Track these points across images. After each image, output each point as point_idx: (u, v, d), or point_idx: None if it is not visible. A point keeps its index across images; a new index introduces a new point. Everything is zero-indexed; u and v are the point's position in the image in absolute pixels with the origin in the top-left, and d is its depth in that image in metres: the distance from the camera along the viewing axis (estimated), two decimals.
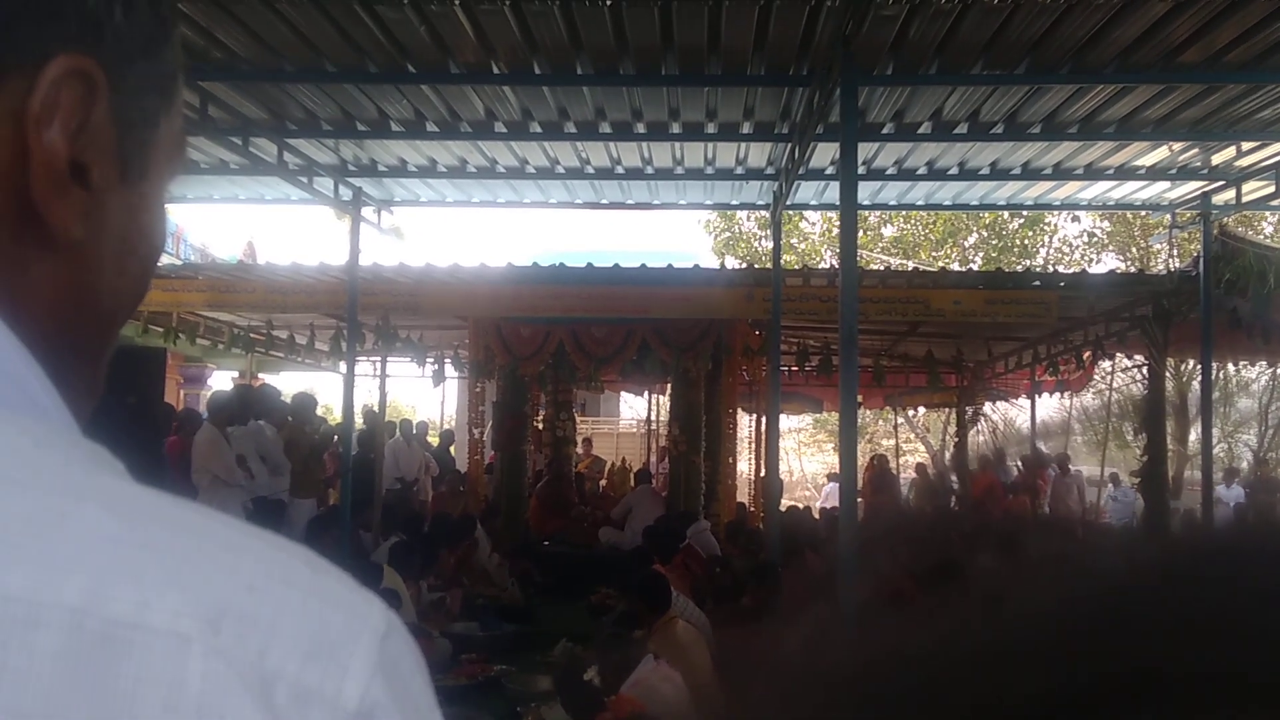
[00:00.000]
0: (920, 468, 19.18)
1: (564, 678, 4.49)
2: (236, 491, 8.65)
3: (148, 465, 7.01)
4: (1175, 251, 13.03)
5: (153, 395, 7.66)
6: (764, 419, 12.04)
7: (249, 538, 0.52)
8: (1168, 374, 11.58)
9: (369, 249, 11.64)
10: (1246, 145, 8.20)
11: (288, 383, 16.09)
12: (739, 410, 13.08)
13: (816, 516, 13.77)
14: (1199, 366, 11.14)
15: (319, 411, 11.54)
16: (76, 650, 0.44)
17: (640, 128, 8.00)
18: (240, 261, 13.09)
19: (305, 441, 9.91)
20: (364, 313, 10.26)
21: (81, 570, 0.46)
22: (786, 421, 24.21)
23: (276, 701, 0.46)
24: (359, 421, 11.70)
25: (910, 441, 27.65)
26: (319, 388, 22.16)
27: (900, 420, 23.94)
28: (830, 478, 26.65)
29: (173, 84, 0.64)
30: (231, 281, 11.54)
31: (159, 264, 0.68)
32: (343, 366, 10.46)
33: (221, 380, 18.51)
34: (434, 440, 15.42)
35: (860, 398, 16.04)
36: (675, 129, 8.03)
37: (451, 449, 15.91)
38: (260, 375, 16.11)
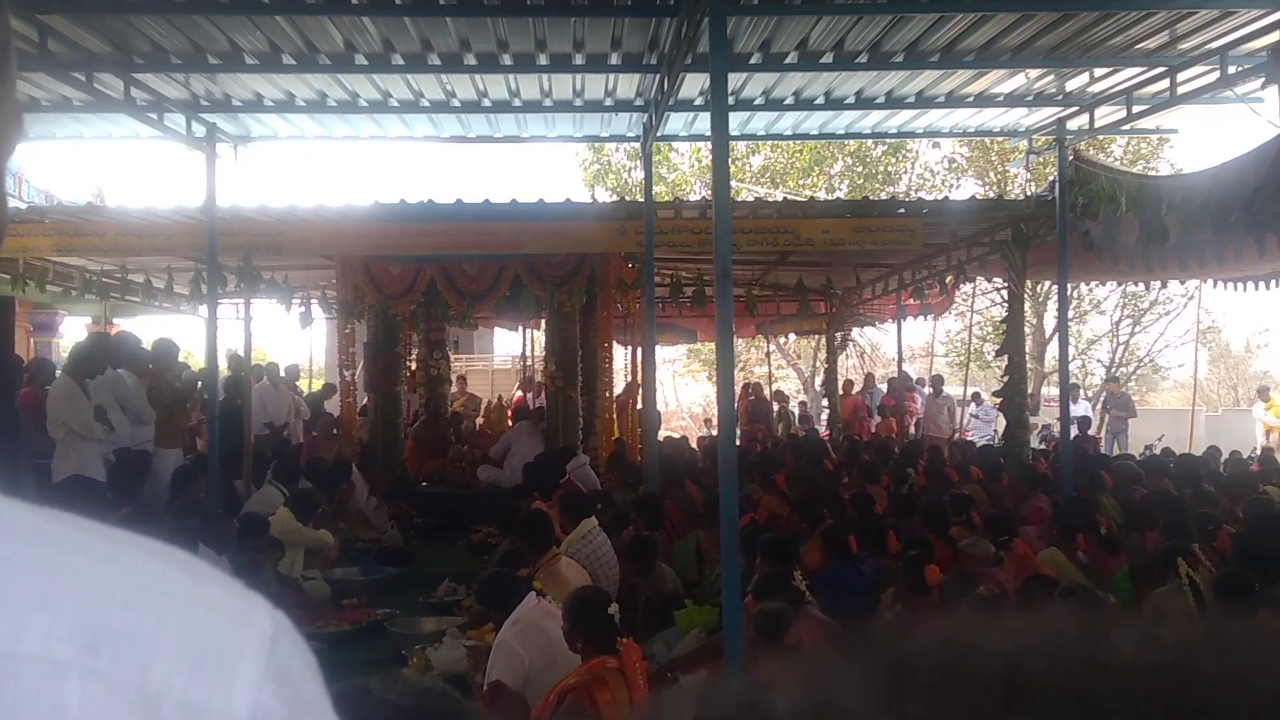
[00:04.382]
0: (778, 394, 19.54)
1: (581, 609, 4.19)
2: (96, 445, 8.30)
3: (0, 420, 6.69)
4: (1031, 176, 13.46)
5: (1, 347, 7.28)
6: (639, 351, 12.10)
7: (123, 548, 0.49)
8: (1026, 295, 12.01)
9: (227, 188, 11.19)
10: (1099, 71, 8.47)
11: (146, 328, 15.46)
12: (614, 343, 13.10)
13: (694, 446, 13.98)
14: (1055, 287, 11.56)
15: (181, 358, 11.15)
16: None
17: (506, 59, 7.84)
18: (89, 204, 12.45)
19: (168, 389, 9.57)
20: (224, 254, 9.92)
21: None
22: (661, 352, 24.42)
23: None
24: (223, 367, 11.35)
25: (783, 368, 28.19)
26: (180, 333, 21.41)
27: (772, 348, 24.35)
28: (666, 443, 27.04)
29: (4, 54, 0.60)
30: (81, 224, 11.01)
31: None
32: (204, 310, 10.11)
33: (74, 327, 17.74)
34: (304, 384, 15.05)
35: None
36: (542, 60, 7.90)
37: (328, 403, 15.52)
38: (116, 321, 15.47)
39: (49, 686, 0.43)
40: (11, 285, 11.61)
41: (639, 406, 12.28)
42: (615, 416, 12.46)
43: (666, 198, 21.01)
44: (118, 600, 0.46)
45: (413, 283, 11.29)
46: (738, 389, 20.30)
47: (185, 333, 25.46)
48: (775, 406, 18.41)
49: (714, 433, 15.80)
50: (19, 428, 8.46)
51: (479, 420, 15.56)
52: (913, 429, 16.56)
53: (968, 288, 16.04)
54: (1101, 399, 19.81)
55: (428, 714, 1.65)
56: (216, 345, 9.35)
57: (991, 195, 20.44)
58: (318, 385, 16.98)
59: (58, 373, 9.40)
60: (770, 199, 18.60)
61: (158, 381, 9.50)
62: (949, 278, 12.94)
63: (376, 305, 11.51)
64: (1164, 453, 13.41)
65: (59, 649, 0.44)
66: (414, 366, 13.14)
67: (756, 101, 9.10)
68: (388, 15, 6.87)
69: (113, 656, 0.44)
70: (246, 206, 10.28)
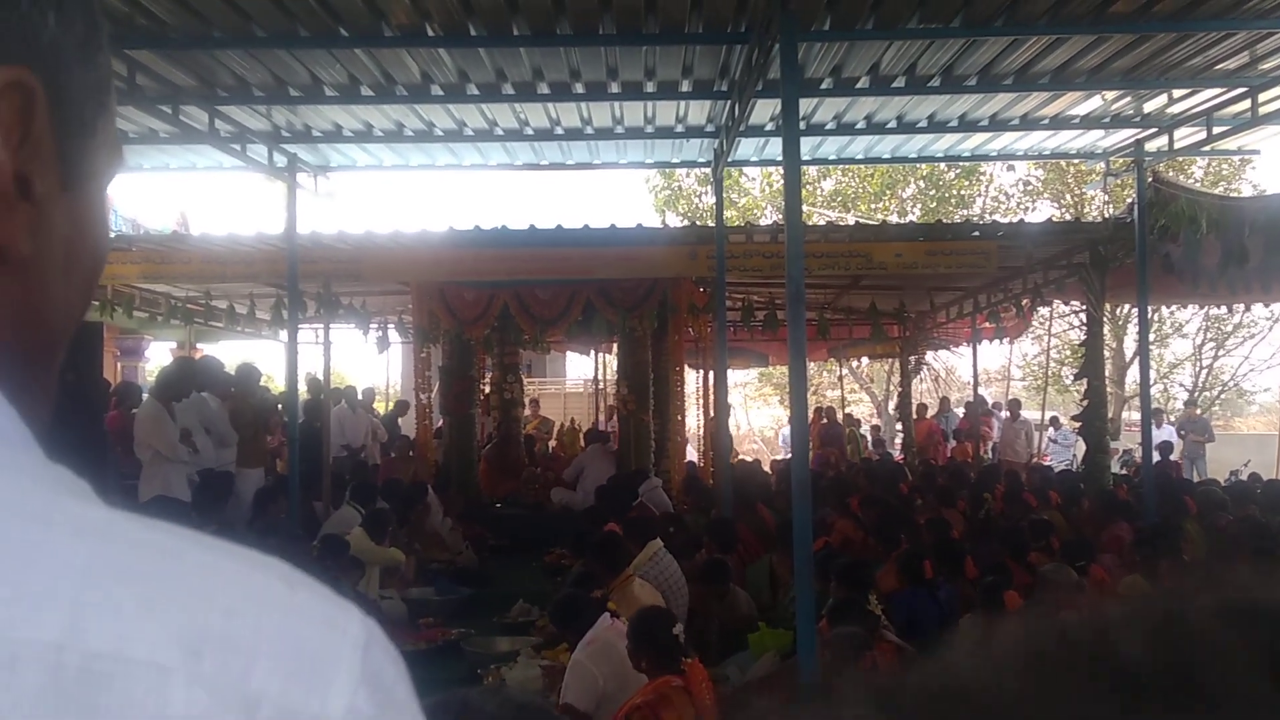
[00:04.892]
0: (848, 417, 19.39)
1: (643, 629, 4.23)
2: (181, 466, 8.52)
3: (89, 443, 6.90)
4: (1109, 198, 13.24)
5: (91, 371, 7.52)
6: (711, 374, 12.11)
7: (223, 558, 0.52)
8: (1105, 319, 11.79)
9: (307, 216, 11.47)
10: (1178, 92, 8.31)
11: (228, 352, 15.86)
12: (685, 366, 13.13)
13: (767, 469, 13.93)
14: (1135, 311, 11.35)
15: (262, 381, 11.40)
16: (58, 688, 0.44)
17: (579, 88, 7.94)
18: (174, 232, 12.81)
19: (250, 412, 9.79)
20: (304, 280, 10.13)
21: (58, 604, 0.46)
22: (732, 375, 24.38)
23: None
24: (303, 390, 11.58)
25: (855, 392, 27.97)
26: (261, 357, 21.89)
27: (844, 371, 24.18)
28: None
29: (107, 87, 0.63)
30: (166, 252, 11.33)
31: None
32: (284, 335, 10.35)
33: (159, 351, 18.22)
34: (380, 407, 15.29)
35: None
36: (614, 88, 7.98)
37: (402, 421, 15.78)
38: (199, 346, 15.87)
39: (156, 690, 0.45)
40: (99, 311, 11.95)
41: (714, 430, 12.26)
42: (705, 441, 12.47)
43: (737, 222, 21.03)
44: (218, 607, 0.48)
45: (486, 308, 11.43)
46: (810, 413, 20.22)
47: (266, 357, 26.04)
48: (845, 430, 18.28)
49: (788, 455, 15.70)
50: (107, 450, 8.73)
51: (552, 443, 15.67)
52: (988, 454, 16.31)
53: (1045, 311, 15.80)
54: (1178, 423, 19.38)
55: None
56: (296, 369, 9.55)
57: (1068, 218, 20.13)
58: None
59: (144, 396, 9.67)
60: (842, 223, 18.53)
61: (239, 404, 9.73)
62: (1025, 301, 12.76)
63: (451, 330, 11.67)
64: (1250, 478, 13.07)
65: (164, 654, 0.46)
66: (488, 390, 13.28)
67: (828, 126, 9.10)
68: (463, 47, 6.99)
69: (215, 662, 0.46)
70: (326, 234, 10.50)
